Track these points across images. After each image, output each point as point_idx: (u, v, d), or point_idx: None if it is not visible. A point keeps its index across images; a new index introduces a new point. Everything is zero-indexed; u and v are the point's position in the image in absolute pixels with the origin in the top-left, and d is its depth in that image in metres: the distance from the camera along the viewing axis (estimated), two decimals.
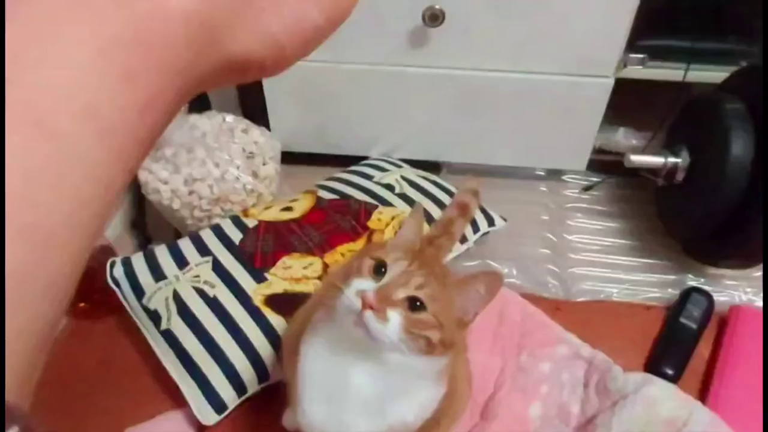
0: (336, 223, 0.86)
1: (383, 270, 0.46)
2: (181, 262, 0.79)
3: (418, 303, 0.45)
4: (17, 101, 0.13)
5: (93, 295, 0.85)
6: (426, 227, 0.70)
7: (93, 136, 0.15)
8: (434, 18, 0.85)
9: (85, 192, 0.15)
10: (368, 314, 0.44)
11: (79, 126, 0.14)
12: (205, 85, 0.19)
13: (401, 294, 0.45)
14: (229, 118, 0.94)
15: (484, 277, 0.47)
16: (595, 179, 1.08)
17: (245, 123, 0.95)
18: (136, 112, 0.16)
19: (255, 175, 0.91)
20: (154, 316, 0.74)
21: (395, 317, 0.44)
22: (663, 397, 0.68)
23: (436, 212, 0.88)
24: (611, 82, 0.92)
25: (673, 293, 0.88)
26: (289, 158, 1.03)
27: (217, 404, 0.68)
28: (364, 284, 0.45)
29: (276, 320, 0.73)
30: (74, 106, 0.14)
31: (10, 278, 0.13)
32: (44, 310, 0.15)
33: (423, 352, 0.46)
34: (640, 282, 0.90)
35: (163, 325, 0.73)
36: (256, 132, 0.94)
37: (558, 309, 0.86)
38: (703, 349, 0.81)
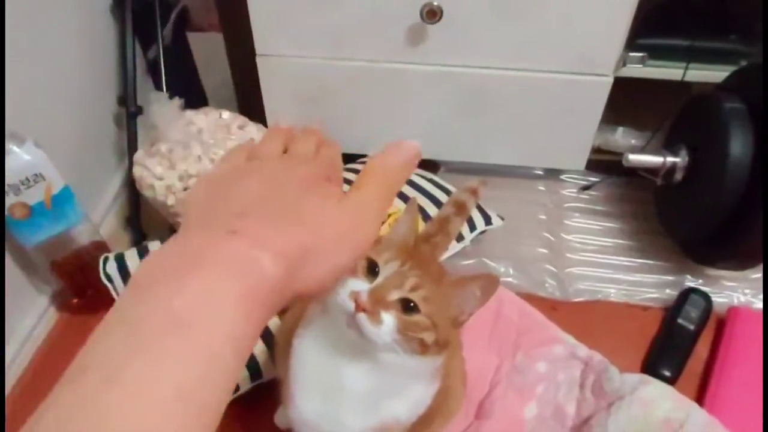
0: None
1: (377, 269, 0.46)
2: None
3: (411, 304, 0.44)
4: (196, 338, 0.23)
5: (86, 291, 0.85)
6: (422, 224, 0.69)
7: (231, 353, 0.24)
8: (432, 15, 0.84)
9: (225, 387, 0.24)
10: (361, 316, 0.43)
11: (224, 347, 0.23)
12: (278, 311, 0.28)
13: (395, 295, 0.44)
14: (226, 114, 0.93)
15: (481, 279, 0.47)
16: (593, 179, 1.07)
17: (242, 119, 0.94)
18: (252, 336, 0.25)
19: None
20: None
21: (389, 319, 0.44)
22: (659, 398, 0.68)
23: (433, 211, 0.88)
24: (610, 80, 0.91)
25: (671, 294, 0.87)
26: None
27: None
28: (358, 285, 0.45)
29: None
30: (222, 337, 0.24)
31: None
32: None
33: (417, 352, 0.46)
34: (638, 282, 0.90)
35: None
36: (252, 128, 0.93)
37: (555, 309, 0.85)
38: (701, 350, 0.81)
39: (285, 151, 0.35)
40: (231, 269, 0.25)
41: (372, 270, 0.46)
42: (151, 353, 0.22)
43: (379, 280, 0.45)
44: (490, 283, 0.46)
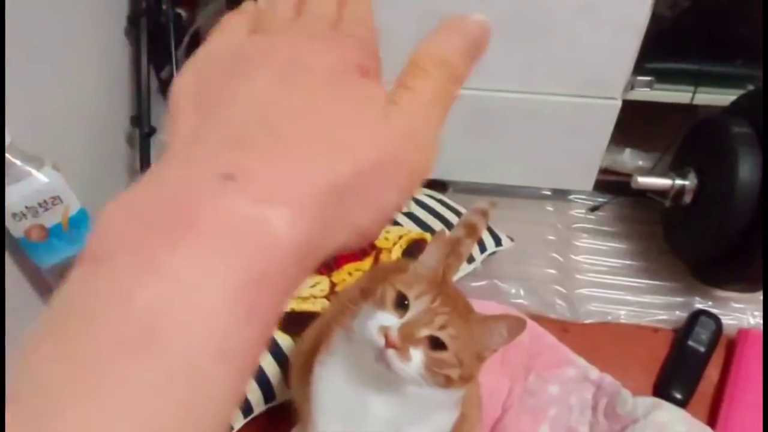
0: None
1: (406, 302, 0.46)
2: None
3: (439, 342, 0.45)
4: (169, 354, 0.15)
5: None
6: None
7: (226, 370, 0.16)
8: None
9: (221, 417, 0.16)
10: (390, 353, 0.44)
11: (214, 365, 0.16)
12: (301, 284, 0.20)
13: (424, 332, 0.45)
14: None
15: (509, 320, 0.48)
16: (601, 199, 1.08)
17: None
18: (257, 337, 0.17)
19: None
20: None
21: (417, 356, 0.45)
22: (673, 421, 0.68)
23: None
24: (618, 103, 0.93)
25: (680, 315, 0.87)
26: None
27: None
28: (387, 319, 0.46)
29: (282, 339, 0.73)
30: (209, 350, 0.16)
31: None
32: None
33: (442, 386, 0.47)
34: (648, 304, 0.90)
35: None
36: None
37: (565, 331, 0.86)
38: (712, 373, 0.81)
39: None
40: (224, 241, 0.16)
41: (401, 303, 0.46)
42: (99, 382, 0.15)
43: (410, 316, 0.46)
44: (517, 324, 0.47)
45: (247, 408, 0.69)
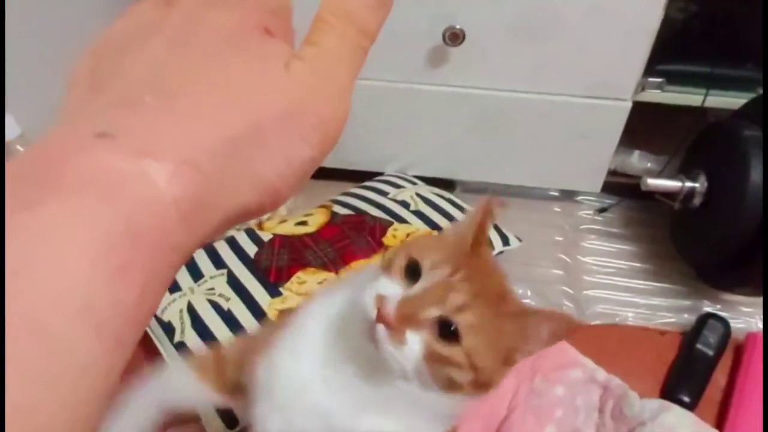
0: (351, 239, 0.85)
1: (419, 272, 0.36)
2: (196, 274, 0.79)
3: (452, 328, 0.34)
4: (14, 313, 0.14)
5: None
6: None
7: (89, 334, 0.15)
8: (454, 38, 0.85)
9: (84, 386, 0.15)
10: (381, 330, 0.34)
11: (75, 327, 0.15)
12: (202, 244, 0.20)
13: (432, 313, 0.34)
14: None
15: (553, 319, 0.37)
16: (609, 201, 1.07)
17: None
18: (132, 300, 0.16)
19: None
20: (168, 328, 0.74)
21: (415, 342, 0.34)
22: (681, 425, 0.68)
23: None
24: (629, 105, 0.92)
25: (688, 318, 0.87)
26: None
27: (229, 419, 0.68)
28: (388, 288, 0.35)
29: None
30: (69, 310, 0.15)
31: None
32: None
33: (442, 390, 0.36)
34: (655, 306, 0.90)
35: (177, 338, 0.73)
36: None
37: (572, 332, 0.85)
38: (719, 377, 0.80)
39: None
40: (90, 195, 0.16)
41: (412, 273, 0.36)
42: None
43: (417, 288, 0.35)
44: (562, 326, 0.37)
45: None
